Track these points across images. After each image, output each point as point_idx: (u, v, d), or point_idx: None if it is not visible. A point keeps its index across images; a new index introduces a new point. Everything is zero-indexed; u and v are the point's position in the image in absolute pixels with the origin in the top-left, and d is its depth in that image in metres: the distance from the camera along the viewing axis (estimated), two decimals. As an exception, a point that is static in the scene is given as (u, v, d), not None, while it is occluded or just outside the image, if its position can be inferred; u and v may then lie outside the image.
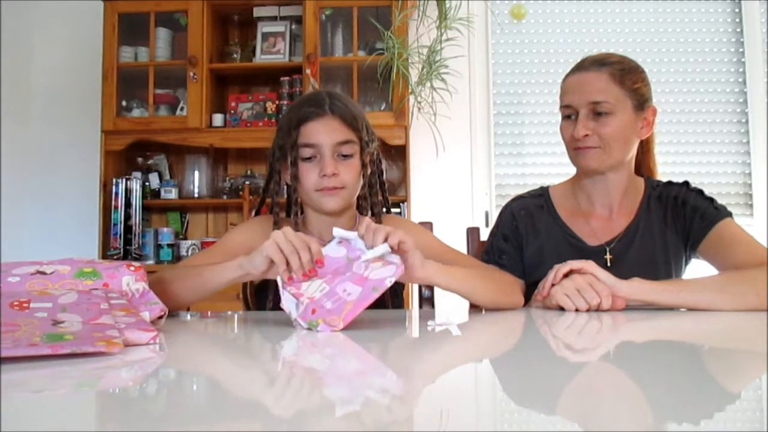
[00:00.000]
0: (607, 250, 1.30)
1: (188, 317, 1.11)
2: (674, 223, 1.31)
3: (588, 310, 1.07)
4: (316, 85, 2.76)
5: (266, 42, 2.98)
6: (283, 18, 3.00)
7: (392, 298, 1.27)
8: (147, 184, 2.97)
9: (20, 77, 3.16)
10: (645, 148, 1.40)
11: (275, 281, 1.17)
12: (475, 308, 1.19)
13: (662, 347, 0.82)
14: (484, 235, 1.49)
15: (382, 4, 2.83)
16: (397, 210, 2.79)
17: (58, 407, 0.50)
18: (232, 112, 2.94)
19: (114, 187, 2.87)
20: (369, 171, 1.27)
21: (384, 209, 1.34)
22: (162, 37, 2.96)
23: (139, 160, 3.06)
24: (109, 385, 0.61)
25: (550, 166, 2.98)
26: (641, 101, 1.28)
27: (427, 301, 1.49)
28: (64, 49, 3.20)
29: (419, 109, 2.84)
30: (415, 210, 2.84)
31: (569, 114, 1.30)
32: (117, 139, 2.86)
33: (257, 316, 1.23)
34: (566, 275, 1.11)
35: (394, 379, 0.63)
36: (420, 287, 1.48)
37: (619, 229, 1.32)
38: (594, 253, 1.29)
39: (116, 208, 2.86)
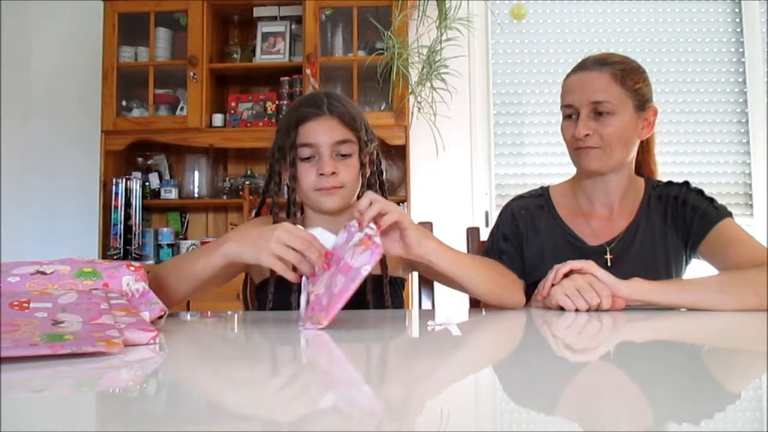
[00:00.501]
0: (608, 249, 1.30)
1: (188, 317, 1.11)
2: (674, 223, 1.31)
3: (588, 310, 1.08)
4: (316, 85, 2.76)
5: (266, 42, 2.98)
6: (283, 18, 3.00)
7: (392, 299, 1.27)
8: (147, 184, 2.97)
9: (20, 77, 3.16)
10: (645, 149, 1.40)
11: (275, 280, 1.17)
12: (475, 308, 1.19)
13: (662, 347, 0.82)
14: (484, 235, 1.49)
15: (382, 4, 2.83)
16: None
17: (58, 407, 0.50)
18: (232, 112, 2.94)
19: (114, 187, 2.87)
20: (368, 171, 1.28)
21: None
22: (162, 37, 2.96)
23: (139, 160, 3.06)
24: (109, 385, 0.61)
25: (550, 166, 2.98)
26: (642, 101, 1.28)
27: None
28: (64, 49, 3.20)
29: (419, 109, 2.84)
30: (415, 210, 2.84)
31: (570, 114, 1.30)
32: (117, 139, 2.86)
33: (257, 316, 1.23)
34: (566, 275, 1.11)
35: (394, 379, 0.63)
36: (420, 288, 1.48)
37: (619, 229, 1.32)
38: (594, 253, 1.29)
39: (116, 208, 2.86)
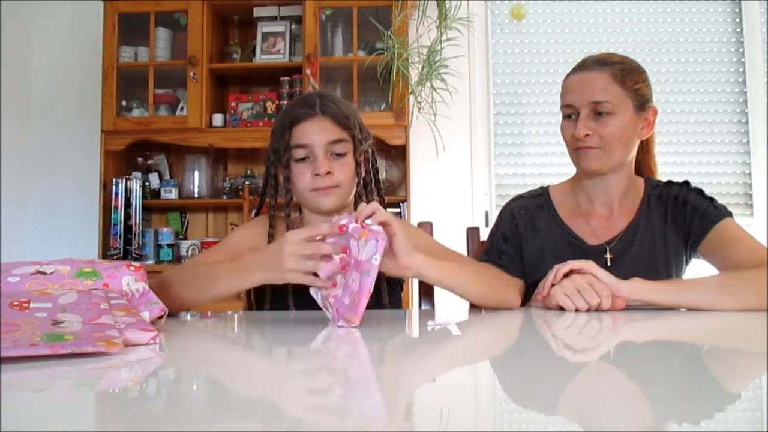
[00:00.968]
0: (608, 249, 1.30)
1: (188, 317, 1.11)
2: (674, 223, 1.31)
3: (588, 310, 1.07)
4: (316, 85, 2.76)
5: (266, 42, 2.98)
6: (283, 18, 3.00)
7: (391, 298, 1.27)
8: (147, 184, 2.97)
9: (20, 77, 3.16)
10: (645, 149, 1.40)
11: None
12: (475, 308, 1.19)
13: (662, 347, 0.82)
14: (484, 235, 1.49)
15: (382, 4, 2.83)
16: (397, 210, 2.79)
17: (58, 407, 0.50)
18: (232, 112, 2.94)
19: (114, 187, 2.87)
20: (363, 170, 1.28)
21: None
22: (162, 37, 2.96)
23: (139, 160, 3.06)
24: (109, 385, 0.61)
25: (550, 166, 2.98)
26: (642, 102, 1.28)
27: (426, 298, 1.49)
28: (64, 49, 3.20)
29: (419, 109, 2.84)
30: (415, 210, 2.84)
31: (570, 114, 1.30)
32: (117, 139, 2.86)
33: (257, 316, 1.23)
34: (566, 275, 1.11)
35: (394, 379, 0.63)
36: (420, 288, 1.48)
37: (619, 228, 1.32)
38: (594, 253, 1.29)
39: (116, 208, 2.86)
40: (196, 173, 3.01)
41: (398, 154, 2.88)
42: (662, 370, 0.64)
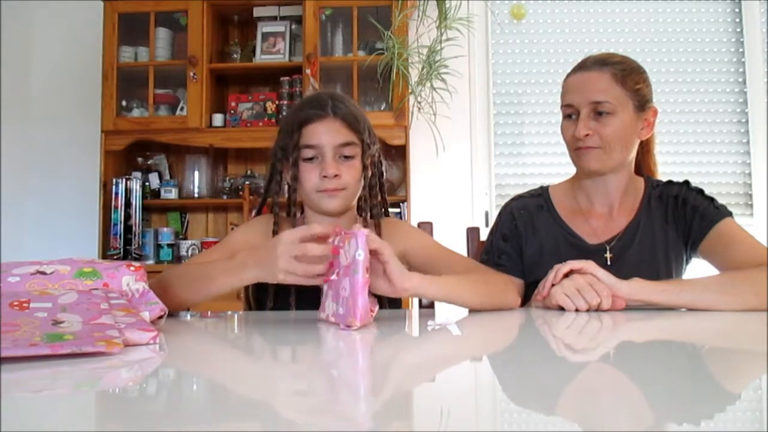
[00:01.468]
0: (607, 248, 1.30)
1: (188, 317, 1.11)
2: (675, 223, 1.31)
3: (588, 310, 1.07)
4: (316, 85, 2.76)
5: (266, 42, 2.98)
6: (283, 18, 3.00)
7: (390, 299, 1.27)
8: (147, 184, 2.97)
9: (20, 77, 3.16)
10: (645, 149, 1.40)
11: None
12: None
13: (662, 347, 0.82)
14: (484, 235, 1.49)
15: (382, 4, 2.83)
16: (397, 210, 2.79)
17: (58, 407, 0.50)
18: (232, 112, 2.94)
19: (114, 187, 2.87)
20: (370, 173, 1.27)
21: (383, 211, 1.34)
22: (162, 37, 2.96)
23: (139, 160, 3.06)
24: (109, 385, 0.61)
25: (550, 166, 2.98)
26: (642, 102, 1.28)
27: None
28: (64, 49, 3.20)
29: (419, 109, 2.84)
30: (415, 210, 2.84)
31: (570, 114, 1.30)
32: (117, 139, 2.86)
33: (257, 316, 1.23)
34: (566, 275, 1.11)
35: (394, 379, 0.63)
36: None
37: (619, 228, 1.33)
38: (594, 252, 1.29)
39: (116, 208, 2.86)
40: (196, 173, 3.01)
41: (398, 154, 2.88)
42: (662, 370, 0.64)
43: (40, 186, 3.18)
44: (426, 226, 1.54)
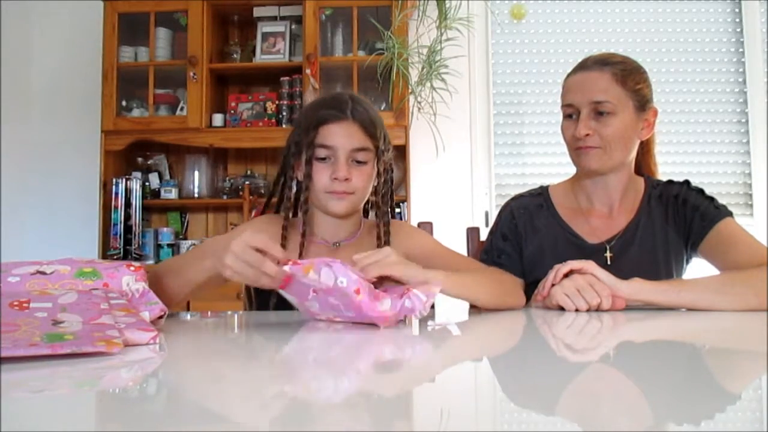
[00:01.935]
0: (607, 248, 1.30)
1: (188, 317, 1.11)
2: (675, 222, 1.31)
3: (588, 311, 1.07)
4: (316, 85, 2.76)
5: (266, 42, 2.98)
6: (283, 18, 3.00)
7: None
8: (147, 184, 2.97)
9: (20, 77, 3.16)
10: (645, 149, 1.40)
11: None
12: (475, 308, 1.19)
13: (662, 347, 0.82)
14: (484, 235, 1.49)
15: (382, 4, 2.83)
16: (397, 210, 2.79)
17: (58, 407, 0.50)
18: (232, 112, 2.94)
19: (114, 187, 2.87)
20: (382, 179, 1.27)
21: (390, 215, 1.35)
22: (162, 37, 2.96)
23: (139, 160, 3.06)
24: (109, 385, 0.61)
25: (550, 166, 2.98)
26: (642, 102, 1.28)
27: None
28: (64, 49, 3.20)
29: (419, 109, 2.84)
30: (415, 210, 2.84)
31: (571, 113, 1.30)
32: (117, 139, 2.86)
33: (257, 316, 1.23)
34: (566, 275, 1.11)
35: (394, 379, 0.63)
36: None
37: (619, 227, 1.33)
38: (594, 251, 1.29)
39: (116, 208, 2.86)
40: (196, 173, 3.01)
41: (398, 154, 2.87)
42: (662, 370, 0.64)
43: (40, 186, 3.18)
44: (426, 226, 1.54)
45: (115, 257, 2.81)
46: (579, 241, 1.33)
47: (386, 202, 1.29)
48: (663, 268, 1.29)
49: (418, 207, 2.87)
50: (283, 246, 1.24)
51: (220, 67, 2.97)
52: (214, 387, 0.61)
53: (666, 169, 1.46)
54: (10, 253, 2.75)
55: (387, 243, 1.25)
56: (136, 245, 2.87)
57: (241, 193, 2.92)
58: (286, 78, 2.92)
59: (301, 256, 1.23)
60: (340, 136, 1.20)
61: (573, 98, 1.28)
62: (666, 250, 1.30)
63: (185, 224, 3.10)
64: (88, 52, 3.07)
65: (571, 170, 1.39)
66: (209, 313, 1.18)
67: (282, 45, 2.96)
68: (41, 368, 0.61)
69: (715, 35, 3.05)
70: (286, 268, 0.91)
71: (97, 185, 2.87)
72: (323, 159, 1.21)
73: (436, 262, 1.24)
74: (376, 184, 1.26)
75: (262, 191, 2.92)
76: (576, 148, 1.29)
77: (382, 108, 2.88)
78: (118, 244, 2.85)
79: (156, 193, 2.97)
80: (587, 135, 1.26)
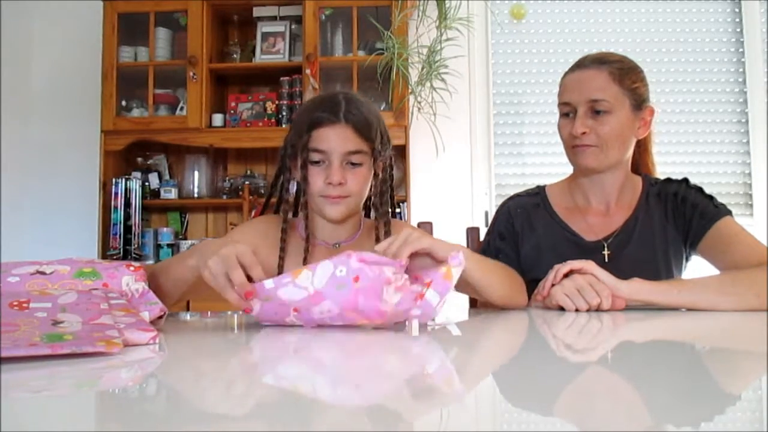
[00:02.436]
0: (605, 245, 1.31)
1: (188, 317, 1.11)
2: (674, 220, 1.31)
3: (588, 311, 1.07)
4: (316, 85, 2.76)
5: (266, 42, 2.98)
6: (282, 18, 3.00)
7: None
8: (147, 184, 2.97)
9: (20, 77, 3.16)
10: (643, 147, 1.40)
11: None
12: (474, 308, 1.19)
13: (662, 347, 0.82)
14: (484, 235, 1.49)
15: (382, 4, 2.83)
16: (398, 210, 2.79)
17: (58, 407, 0.50)
18: (232, 112, 2.94)
19: (114, 187, 2.87)
20: (379, 179, 1.26)
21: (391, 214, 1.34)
22: (162, 37, 2.96)
23: (139, 160, 3.06)
24: (109, 385, 0.61)
25: (550, 166, 2.98)
26: (639, 101, 1.29)
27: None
28: (64, 49, 3.20)
29: (419, 109, 2.84)
30: (415, 210, 2.84)
31: (567, 112, 1.30)
32: (117, 139, 2.86)
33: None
34: (566, 275, 1.11)
35: (393, 379, 0.63)
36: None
37: (616, 225, 1.33)
38: (591, 249, 1.29)
39: (116, 208, 2.86)
40: (196, 173, 3.01)
41: (398, 154, 2.88)
42: (662, 370, 0.64)
43: (39, 186, 3.18)
44: (426, 226, 1.54)
45: (114, 257, 2.81)
46: (576, 238, 1.33)
47: (385, 201, 1.27)
48: (662, 265, 1.29)
49: (418, 207, 2.87)
50: (283, 248, 1.23)
51: (220, 67, 2.97)
52: (214, 387, 0.61)
53: (666, 169, 1.46)
54: (10, 253, 2.75)
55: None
56: (136, 245, 2.88)
57: (240, 193, 2.92)
58: (286, 78, 2.92)
59: (305, 259, 1.22)
60: (333, 140, 1.18)
61: (570, 97, 1.29)
62: (665, 248, 1.30)
63: (185, 224, 3.10)
64: (88, 52, 3.07)
65: (571, 170, 1.39)
66: (209, 313, 1.18)
67: (282, 45, 2.96)
68: (41, 368, 0.61)
69: (715, 35, 3.05)
70: (269, 282, 0.89)
71: (96, 185, 2.87)
72: (317, 162, 1.20)
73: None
74: (374, 184, 1.25)
75: (262, 191, 2.92)
76: (573, 147, 1.30)
77: (382, 108, 2.88)
78: (118, 244, 2.85)
79: (156, 193, 2.97)
80: (584, 133, 1.26)
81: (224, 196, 2.99)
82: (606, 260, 1.28)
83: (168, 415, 0.49)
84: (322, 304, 0.90)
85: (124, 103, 2.95)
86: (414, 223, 1.53)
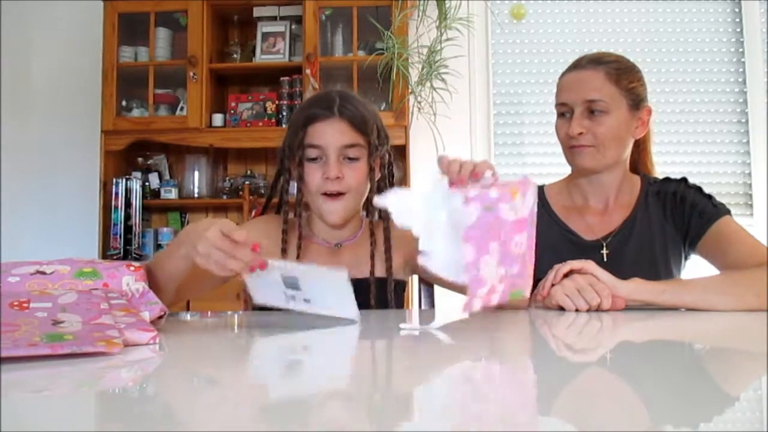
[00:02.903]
0: (604, 245, 1.31)
1: (188, 317, 1.11)
2: (673, 219, 1.31)
3: (588, 310, 1.07)
4: (316, 85, 2.77)
5: (266, 42, 2.98)
6: (283, 18, 3.00)
7: (395, 298, 1.27)
8: (147, 184, 2.97)
9: (20, 77, 3.16)
10: (642, 147, 1.40)
11: None
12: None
13: (662, 347, 0.82)
14: (484, 235, 1.49)
15: (382, 4, 2.83)
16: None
17: (58, 407, 0.50)
18: (232, 112, 2.94)
19: (114, 187, 2.87)
20: (378, 174, 1.26)
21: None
22: (162, 37, 2.96)
23: (139, 160, 3.06)
24: (109, 385, 0.61)
25: (550, 166, 2.98)
26: (636, 101, 1.29)
27: (427, 298, 1.49)
28: (64, 49, 3.20)
29: (419, 109, 2.84)
30: (415, 210, 2.83)
31: (564, 112, 1.31)
32: (117, 139, 2.86)
33: (257, 316, 1.23)
34: (566, 275, 1.11)
35: (392, 379, 0.63)
36: (420, 289, 1.48)
37: (615, 224, 1.33)
38: (590, 248, 1.29)
39: (116, 208, 2.86)
40: (196, 173, 3.01)
41: (398, 154, 2.88)
42: (662, 370, 0.64)
43: (39, 186, 3.18)
44: (426, 226, 1.54)
45: (115, 257, 2.81)
46: (575, 238, 1.33)
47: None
48: (661, 265, 1.29)
49: (418, 207, 2.87)
50: (284, 249, 1.23)
51: (220, 67, 2.97)
52: (214, 387, 0.61)
53: (666, 169, 1.46)
54: (10, 253, 2.75)
55: (387, 239, 1.25)
56: (136, 245, 2.88)
57: (241, 193, 2.92)
58: (286, 78, 2.92)
59: (298, 257, 1.22)
60: (328, 135, 1.19)
61: (567, 97, 1.29)
62: (664, 247, 1.30)
63: (185, 224, 3.10)
64: (88, 52, 3.07)
65: (570, 170, 1.39)
66: (209, 313, 1.18)
67: (282, 45, 2.96)
68: (41, 368, 0.61)
69: (715, 35, 3.05)
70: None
71: (97, 185, 2.87)
72: (314, 159, 1.20)
73: None
74: (371, 178, 1.24)
75: (262, 191, 2.92)
76: (570, 147, 1.30)
77: (382, 108, 2.88)
78: (118, 244, 2.85)
79: (156, 193, 2.97)
80: (580, 134, 1.26)
81: (224, 196, 2.99)
82: (605, 260, 1.29)
83: (168, 415, 0.49)
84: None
85: (124, 103, 2.95)
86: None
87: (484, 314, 1.13)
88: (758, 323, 0.94)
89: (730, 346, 0.83)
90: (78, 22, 3.17)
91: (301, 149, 1.19)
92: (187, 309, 2.04)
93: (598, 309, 1.08)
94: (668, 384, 0.56)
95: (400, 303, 1.33)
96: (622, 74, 1.27)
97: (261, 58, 2.97)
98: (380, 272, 1.24)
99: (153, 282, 1.02)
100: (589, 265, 1.11)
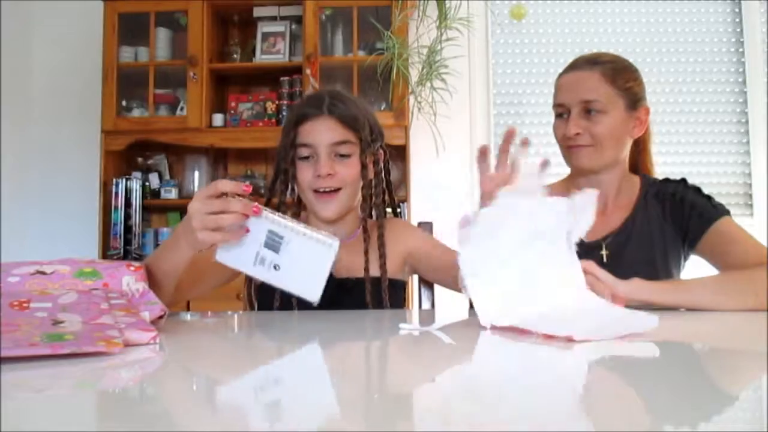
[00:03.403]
0: (603, 245, 1.31)
1: (188, 317, 1.11)
2: (672, 220, 1.31)
3: (588, 310, 1.07)
4: (316, 85, 2.77)
5: (266, 42, 2.98)
6: (283, 18, 3.00)
7: (392, 300, 1.27)
8: (147, 184, 2.98)
9: (20, 77, 3.16)
10: (641, 147, 1.40)
11: None
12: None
13: (662, 347, 0.82)
14: (484, 235, 1.49)
15: (382, 4, 2.83)
16: (398, 210, 2.79)
17: (58, 407, 0.50)
18: (232, 112, 2.94)
19: (114, 187, 2.87)
20: (371, 171, 1.26)
21: (390, 210, 1.34)
22: (162, 37, 2.97)
23: (139, 160, 3.06)
24: (109, 385, 0.61)
25: (551, 166, 2.98)
26: (634, 100, 1.29)
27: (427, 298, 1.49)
28: (64, 49, 3.21)
29: (419, 109, 2.85)
30: (415, 210, 2.84)
31: (561, 113, 1.31)
32: (117, 139, 2.86)
33: (258, 316, 1.23)
34: (566, 275, 1.11)
35: (393, 380, 0.63)
36: (420, 289, 1.48)
37: (614, 224, 1.33)
38: (589, 249, 1.29)
39: (116, 208, 2.87)
40: (196, 173, 3.01)
41: (398, 154, 2.88)
42: (662, 370, 0.64)
43: (40, 186, 3.18)
44: (426, 226, 1.54)
45: (115, 257, 2.81)
46: (574, 237, 1.33)
47: (379, 193, 1.26)
48: (660, 265, 1.29)
49: (418, 207, 2.87)
50: None
51: (220, 67, 2.97)
52: (214, 387, 0.61)
53: (666, 169, 1.47)
54: (10, 253, 2.75)
55: (381, 237, 1.25)
56: (136, 245, 2.88)
57: (241, 193, 2.92)
58: (286, 78, 2.92)
59: None
60: (318, 132, 1.20)
61: (563, 98, 1.29)
62: (663, 248, 1.30)
63: (185, 224, 3.10)
64: (88, 52, 3.07)
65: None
66: (209, 313, 1.18)
67: (282, 45, 2.97)
68: (41, 368, 0.61)
69: (715, 35, 3.05)
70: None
71: (97, 185, 2.87)
72: (306, 158, 1.21)
73: (437, 255, 1.24)
74: (364, 175, 1.24)
75: (262, 191, 2.92)
76: (567, 147, 1.30)
77: (382, 108, 2.88)
78: (118, 244, 2.85)
79: (156, 193, 2.97)
80: (577, 134, 1.26)
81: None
82: (604, 260, 1.28)
83: (168, 415, 0.49)
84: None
85: (124, 103, 2.95)
86: (414, 223, 1.53)
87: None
88: (758, 323, 0.94)
89: (730, 346, 0.83)
90: (78, 22, 3.17)
91: (293, 148, 1.21)
92: (187, 309, 2.04)
93: (598, 309, 1.07)
94: (668, 384, 0.56)
95: (400, 303, 1.33)
96: (618, 74, 1.27)
97: (261, 58, 2.97)
98: (374, 271, 1.24)
99: (151, 279, 1.02)
100: (589, 265, 1.11)
